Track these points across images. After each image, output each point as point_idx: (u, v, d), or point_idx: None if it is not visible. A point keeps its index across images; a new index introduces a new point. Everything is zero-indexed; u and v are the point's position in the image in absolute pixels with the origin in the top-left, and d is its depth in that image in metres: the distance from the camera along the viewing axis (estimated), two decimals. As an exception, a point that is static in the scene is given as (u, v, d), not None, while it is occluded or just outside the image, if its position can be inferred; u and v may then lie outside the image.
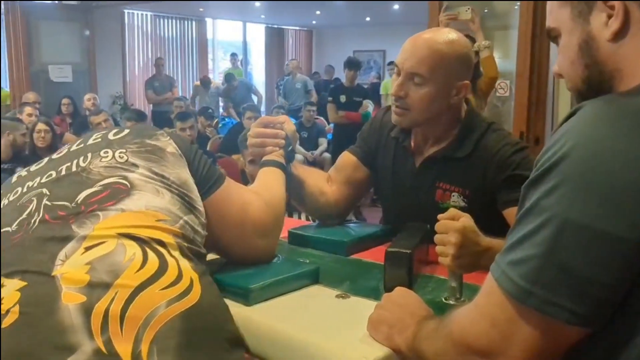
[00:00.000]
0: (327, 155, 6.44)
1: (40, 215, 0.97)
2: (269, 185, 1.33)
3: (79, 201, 0.97)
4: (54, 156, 1.13)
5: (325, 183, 1.66)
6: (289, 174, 1.44)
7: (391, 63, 7.87)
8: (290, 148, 1.47)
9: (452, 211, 1.14)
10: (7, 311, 0.87)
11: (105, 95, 8.53)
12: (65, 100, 6.53)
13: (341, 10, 10.22)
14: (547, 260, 0.68)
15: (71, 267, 0.89)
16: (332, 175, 1.69)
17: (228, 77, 8.69)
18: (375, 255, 1.41)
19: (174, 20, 10.62)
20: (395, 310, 0.96)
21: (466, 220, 1.11)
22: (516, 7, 3.72)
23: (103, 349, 0.82)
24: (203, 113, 6.43)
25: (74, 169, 1.04)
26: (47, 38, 7.79)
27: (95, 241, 0.91)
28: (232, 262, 1.22)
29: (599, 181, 0.66)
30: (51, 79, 7.72)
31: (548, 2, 0.86)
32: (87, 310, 0.84)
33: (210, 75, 9.10)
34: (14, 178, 1.13)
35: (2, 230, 0.98)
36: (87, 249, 0.90)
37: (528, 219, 0.72)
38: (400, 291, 1.02)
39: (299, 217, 2.54)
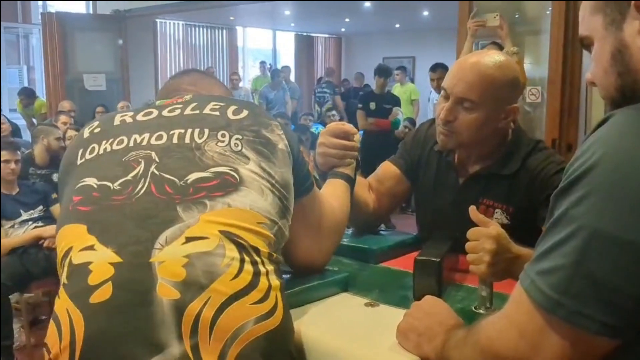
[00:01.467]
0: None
1: (147, 184, 0.95)
2: (339, 196, 1.32)
3: (188, 181, 0.95)
4: (165, 112, 1.08)
5: (368, 193, 1.64)
6: (352, 188, 1.41)
7: (400, 68, 7.79)
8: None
9: (482, 218, 1.13)
10: (99, 285, 0.87)
11: (138, 102, 8.66)
12: (99, 109, 6.66)
13: (370, 17, 10.22)
14: (576, 271, 0.68)
15: (170, 256, 0.88)
16: (373, 185, 1.67)
17: (274, 72, 8.85)
18: (404, 264, 1.40)
19: (205, 29, 10.78)
20: (424, 318, 0.96)
21: (498, 227, 1.11)
22: (548, 11, 3.67)
23: (190, 354, 0.83)
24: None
25: (187, 140, 1.01)
26: (82, 48, 7.96)
27: (198, 234, 0.90)
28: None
29: (629, 191, 0.66)
30: (86, 88, 7.88)
31: (580, 10, 0.85)
32: (179, 310, 0.84)
33: (240, 84, 9.16)
34: (117, 120, 1.09)
35: (101, 183, 0.98)
36: (189, 239, 0.89)
37: (557, 229, 0.71)
38: (430, 300, 1.02)
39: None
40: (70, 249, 0.94)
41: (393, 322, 1.01)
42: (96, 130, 1.09)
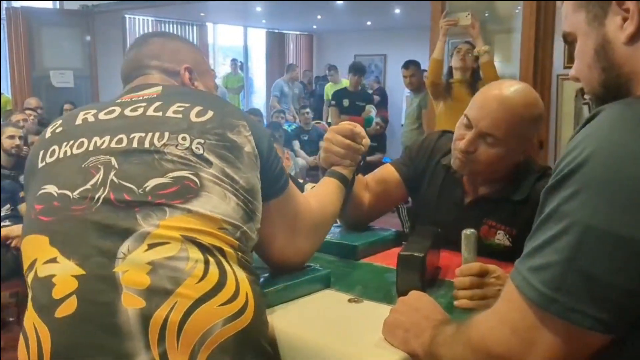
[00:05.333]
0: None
1: (106, 192, 0.94)
2: (328, 196, 1.29)
3: (147, 189, 0.93)
4: (127, 111, 1.05)
5: (365, 192, 1.61)
6: (349, 190, 1.39)
7: (332, 67, 8.24)
8: (362, 163, 1.43)
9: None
10: (63, 299, 0.87)
11: (107, 99, 8.53)
12: (67, 106, 6.53)
13: (342, 15, 10.22)
14: (569, 267, 0.68)
15: (132, 266, 0.87)
16: (371, 185, 1.63)
17: (289, 67, 9.07)
18: (385, 259, 1.40)
19: (175, 25, 10.63)
20: (411, 314, 0.96)
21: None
22: (517, 10, 3.72)
23: None
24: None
25: (146, 145, 0.98)
26: (48, 43, 7.78)
27: (159, 240, 0.89)
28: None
29: (622, 186, 0.66)
30: (53, 85, 7.71)
31: (563, 8, 0.85)
32: (145, 318, 0.84)
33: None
34: (79, 119, 1.06)
35: (61, 192, 0.96)
36: (150, 246, 0.88)
37: (548, 225, 0.71)
38: (415, 295, 1.02)
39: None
40: (34, 261, 0.94)
41: (377, 318, 1.00)
42: (58, 130, 1.07)
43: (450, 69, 3.81)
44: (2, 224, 3.31)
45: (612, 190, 0.66)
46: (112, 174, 0.95)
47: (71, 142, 1.02)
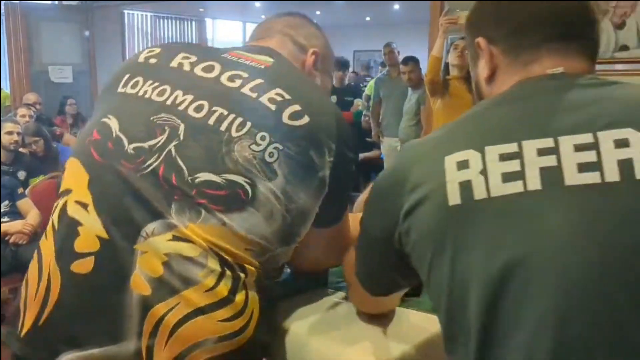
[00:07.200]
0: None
1: (158, 162, 0.88)
2: None
3: (196, 181, 0.86)
4: (224, 78, 0.95)
5: None
6: None
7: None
8: None
9: None
10: (83, 255, 0.86)
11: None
12: (70, 101, 6.53)
13: (341, 11, 10.22)
14: None
15: (151, 249, 0.84)
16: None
17: None
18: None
19: (173, 21, 10.62)
20: None
21: None
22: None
23: (144, 353, 0.82)
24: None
25: (222, 127, 0.89)
26: (47, 39, 7.79)
27: (185, 236, 0.85)
28: None
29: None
30: (51, 80, 7.72)
31: None
32: (146, 307, 0.83)
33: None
34: (175, 62, 0.98)
35: (120, 135, 0.91)
36: (175, 238, 0.84)
37: None
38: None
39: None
40: (68, 191, 0.92)
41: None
42: (152, 61, 1.01)
43: (447, 65, 3.81)
44: (2, 220, 3.31)
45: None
46: (173, 143, 0.89)
47: (156, 83, 0.96)
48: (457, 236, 0.68)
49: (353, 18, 10.96)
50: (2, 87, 7.69)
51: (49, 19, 7.85)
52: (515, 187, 0.66)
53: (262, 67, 0.98)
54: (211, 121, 0.90)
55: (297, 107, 0.92)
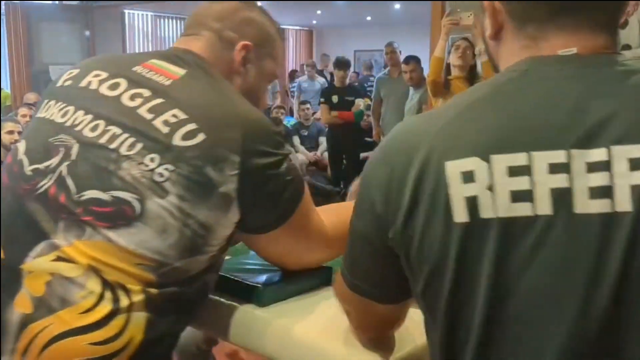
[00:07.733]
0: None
1: (50, 183, 0.90)
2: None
3: (81, 199, 0.87)
4: (125, 97, 0.95)
5: None
6: None
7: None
8: None
9: None
10: None
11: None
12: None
13: (342, 10, 10.22)
14: None
15: (36, 269, 0.87)
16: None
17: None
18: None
19: (174, 21, 10.62)
20: None
21: None
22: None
23: None
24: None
25: (113, 146, 0.90)
26: (47, 39, 7.80)
27: (68, 256, 0.86)
28: (242, 262, 1.20)
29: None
30: (52, 80, 7.73)
31: None
32: (24, 324, 0.85)
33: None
34: (85, 81, 0.99)
35: (23, 157, 0.94)
36: (58, 258, 0.86)
37: None
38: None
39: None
40: None
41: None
42: (66, 83, 1.02)
43: (448, 65, 3.81)
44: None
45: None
46: (65, 163, 0.91)
47: (63, 105, 0.98)
48: (461, 252, 0.65)
49: (353, 18, 10.96)
50: (2, 86, 7.70)
51: (49, 19, 7.85)
52: (524, 209, 0.62)
53: (168, 83, 0.97)
54: (103, 140, 0.91)
55: (192, 127, 0.90)
